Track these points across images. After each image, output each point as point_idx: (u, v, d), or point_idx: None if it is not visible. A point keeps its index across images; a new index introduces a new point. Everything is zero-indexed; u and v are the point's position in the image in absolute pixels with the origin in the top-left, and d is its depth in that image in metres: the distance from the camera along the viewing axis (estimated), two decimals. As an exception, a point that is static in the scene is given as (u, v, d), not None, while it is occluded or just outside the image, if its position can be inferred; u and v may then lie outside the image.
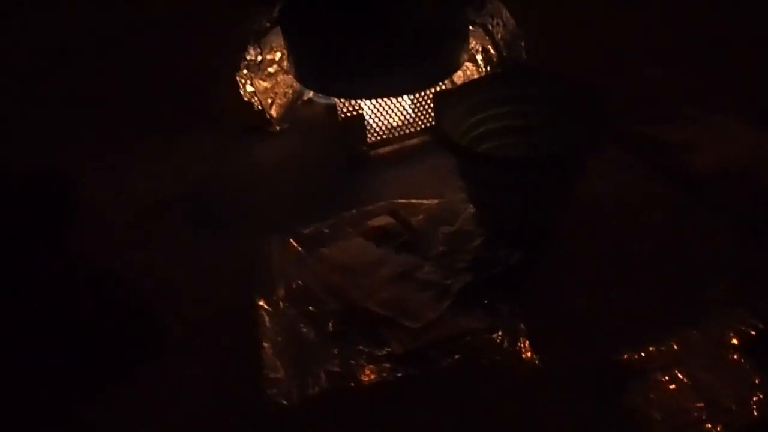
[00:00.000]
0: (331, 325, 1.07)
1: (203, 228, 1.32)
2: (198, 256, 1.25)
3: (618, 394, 0.95)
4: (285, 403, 0.97)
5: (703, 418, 0.91)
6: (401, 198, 1.28)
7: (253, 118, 1.50)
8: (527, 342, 1.02)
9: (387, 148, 1.45)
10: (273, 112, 1.52)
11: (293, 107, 1.56)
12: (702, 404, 0.92)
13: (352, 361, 1.01)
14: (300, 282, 1.14)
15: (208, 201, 1.39)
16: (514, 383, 0.99)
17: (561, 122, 1.20)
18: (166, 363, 1.07)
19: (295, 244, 1.22)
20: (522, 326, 1.04)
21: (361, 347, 1.03)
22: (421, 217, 1.24)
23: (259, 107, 1.49)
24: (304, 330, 1.07)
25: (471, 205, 1.22)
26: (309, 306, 1.11)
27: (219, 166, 1.47)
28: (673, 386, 0.95)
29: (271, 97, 1.51)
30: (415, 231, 1.20)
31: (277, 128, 1.53)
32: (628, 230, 1.21)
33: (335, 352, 1.03)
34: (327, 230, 1.24)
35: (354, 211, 1.26)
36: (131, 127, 1.60)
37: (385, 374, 1.00)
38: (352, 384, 0.99)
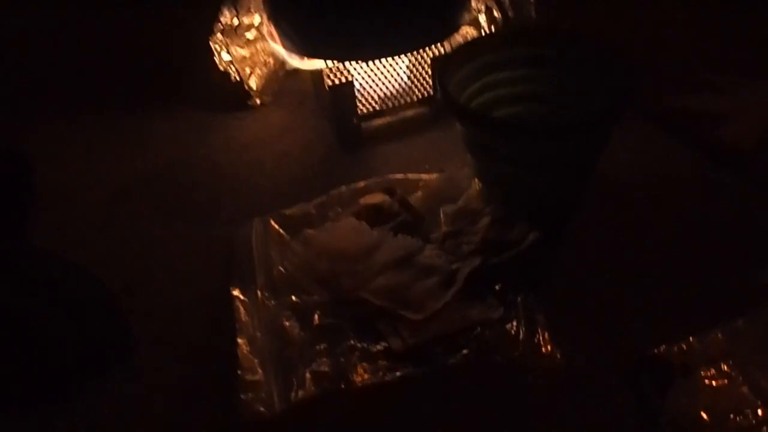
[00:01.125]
0: (318, 317, 0.92)
1: (176, 213, 1.17)
2: (169, 243, 1.11)
3: (657, 394, 0.80)
4: (263, 410, 0.82)
5: (759, 417, 0.77)
6: (397, 174, 1.13)
7: (230, 90, 1.35)
8: (547, 334, 0.88)
9: (380, 121, 1.30)
10: (252, 83, 1.36)
11: (275, 78, 1.40)
12: (758, 402, 0.78)
13: (343, 360, 0.86)
14: (282, 269, 1.00)
15: (181, 183, 1.24)
16: (534, 383, 0.84)
17: (578, 88, 1.05)
18: (129, 365, 0.92)
19: (277, 227, 1.07)
20: (541, 317, 0.89)
21: (353, 343, 0.88)
22: (419, 193, 1.09)
23: (237, 78, 1.34)
24: (287, 324, 0.92)
25: (477, 180, 1.07)
26: (293, 296, 0.96)
27: (193, 144, 1.33)
28: (720, 383, 0.80)
29: (249, 67, 1.36)
30: (414, 210, 1.05)
31: (258, 102, 1.39)
32: (658, 208, 1.06)
33: (323, 349, 0.87)
34: (313, 210, 1.09)
35: (344, 188, 1.11)
36: (96, 104, 1.45)
37: (381, 374, 0.84)
38: (343, 386, 0.84)
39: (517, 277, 0.94)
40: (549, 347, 0.86)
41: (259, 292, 0.97)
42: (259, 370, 0.85)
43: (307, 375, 0.84)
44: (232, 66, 1.33)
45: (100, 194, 1.22)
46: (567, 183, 1.02)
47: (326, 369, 0.85)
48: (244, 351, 0.87)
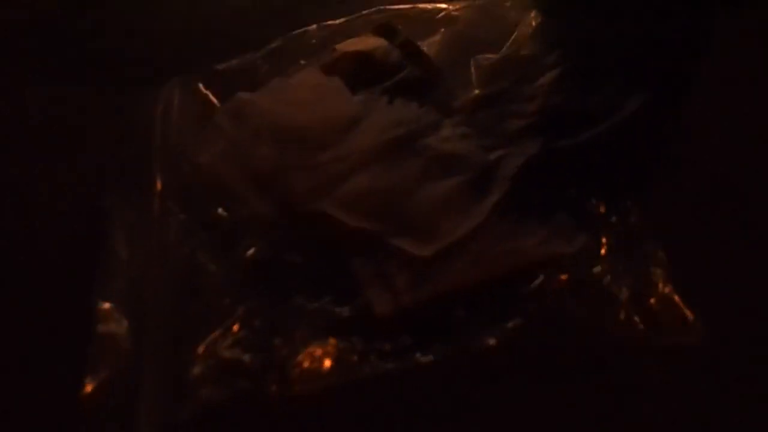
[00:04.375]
0: (249, 250, 0.51)
1: (55, 74, 0.72)
2: (32, 118, 0.67)
3: None
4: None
5: None
6: (400, 4, 0.69)
7: None
8: (670, 287, 0.46)
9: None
10: None
11: None
12: None
13: (280, 338, 0.45)
14: (202, 161, 0.58)
15: (70, 32, 0.77)
16: (650, 380, 0.43)
17: None
18: None
19: (205, 91, 0.64)
20: (659, 253, 0.47)
21: (297, 298, 0.47)
22: (437, 36, 0.65)
23: None
24: (199, 261, 0.51)
25: (535, 12, 0.63)
26: (214, 207, 0.55)
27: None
28: None
29: None
30: (427, 60, 0.62)
31: None
32: None
33: (247, 311, 0.46)
34: (263, 63, 0.66)
35: (314, 27, 0.67)
36: None
37: (350, 364, 0.44)
38: (274, 386, 0.43)
39: (608, 176, 0.52)
40: (676, 310, 0.45)
41: (157, 203, 0.56)
42: (125, 360, 0.45)
43: (211, 364, 0.44)
44: None
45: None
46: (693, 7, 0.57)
47: (245, 356, 0.44)
48: (111, 324, 0.47)
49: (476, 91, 0.60)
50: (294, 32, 0.67)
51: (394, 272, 0.47)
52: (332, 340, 0.45)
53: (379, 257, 0.48)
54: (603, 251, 0.48)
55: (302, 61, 0.65)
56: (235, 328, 0.45)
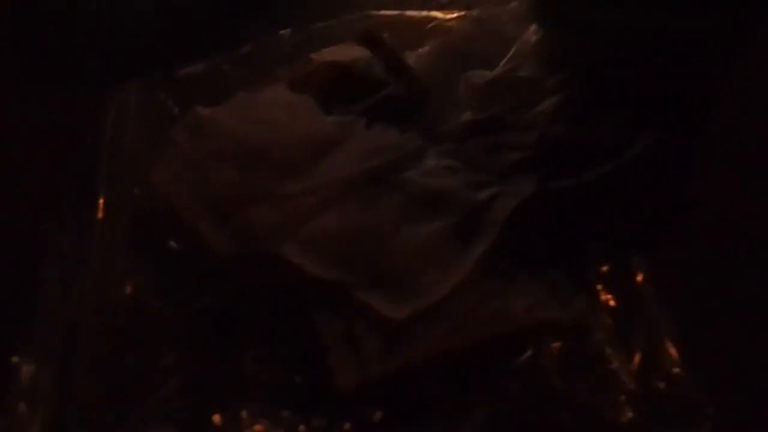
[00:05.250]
0: (199, 296, 0.44)
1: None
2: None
3: None
4: None
5: None
6: (387, 10, 0.62)
7: None
8: (679, 365, 0.40)
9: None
10: None
11: None
12: None
13: (222, 414, 0.38)
14: (155, 181, 0.51)
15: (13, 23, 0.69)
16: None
17: None
18: None
19: (165, 98, 0.57)
20: (668, 322, 0.41)
21: (248, 361, 0.40)
22: (426, 48, 0.58)
23: None
24: (141, 306, 0.45)
25: (536, 26, 0.56)
26: (164, 240, 0.48)
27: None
28: None
29: None
30: (413, 78, 0.55)
31: None
32: None
33: (181, 379, 0.40)
34: (228, 69, 0.59)
35: (288, 32, 0.60)
36: None
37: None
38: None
39: (612, 226, 0.45)
40: (685, 394, 0.39)
41: (98, 230, 0.49)
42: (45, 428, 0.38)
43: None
44: None
45: None
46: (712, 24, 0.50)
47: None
48: (30, 384, 0.40)
49: (467, 115, 0.53)
50: (266, 36, 0.60)
51: (362, 334, 0.40)
52: (284, 415, 0.38)
53: (346, 314, 0.41)
54: (602, 317, 0.42)
55: (274, 70, 0.58)
56: (173, 397, 0.38)
